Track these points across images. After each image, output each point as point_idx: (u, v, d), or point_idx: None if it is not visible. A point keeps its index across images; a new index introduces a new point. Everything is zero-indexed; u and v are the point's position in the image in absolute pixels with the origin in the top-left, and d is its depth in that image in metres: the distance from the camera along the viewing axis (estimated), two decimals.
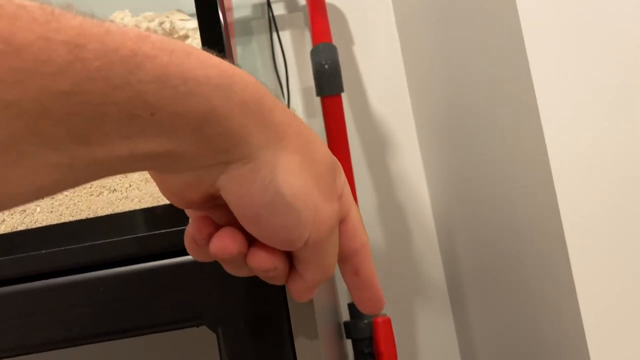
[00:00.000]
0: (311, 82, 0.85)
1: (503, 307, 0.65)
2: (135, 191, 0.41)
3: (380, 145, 0.91)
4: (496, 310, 0.68)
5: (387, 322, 0.70)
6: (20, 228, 0.41)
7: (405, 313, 0.89)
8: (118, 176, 0.41)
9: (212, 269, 0.39)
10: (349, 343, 0.71)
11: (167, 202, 0.42)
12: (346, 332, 0.70)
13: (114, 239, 0.39)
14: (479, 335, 0.78)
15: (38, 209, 0.41)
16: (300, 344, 0.38)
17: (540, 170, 0.47)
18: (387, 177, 0.91)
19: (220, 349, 0.39)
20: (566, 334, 0.47)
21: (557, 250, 0.46)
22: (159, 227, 0.41)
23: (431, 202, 0.90)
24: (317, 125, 0.89)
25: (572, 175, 0.46)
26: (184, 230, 0.40)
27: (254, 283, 0.39)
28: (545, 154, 0.46)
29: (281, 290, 0.38)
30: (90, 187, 0.41)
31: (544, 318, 0.52)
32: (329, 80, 0.72)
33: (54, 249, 0.40)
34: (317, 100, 0.80)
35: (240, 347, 0.38)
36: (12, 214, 0.41)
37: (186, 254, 0.40)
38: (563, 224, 0.45)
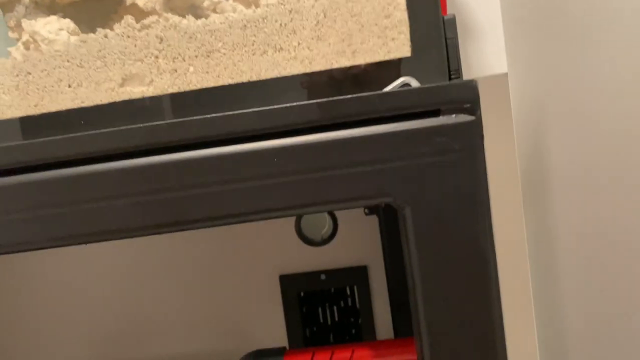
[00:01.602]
0: None
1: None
2: (305, 51, 0.35)
3: (460, 31, 0.84)
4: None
5: None
6: (171, 90, 0.35)
7: None
8: (285, 32, 0.35)
9: (402, 140, 0.34)
10: None
11: (343, 64, 0.36)
12: None
13: (287, 105, 0.34)
14: (559, 231, 0.76)
15: (191, 69, 0.35)
16: (501, 228, 0.34)
17: None
18: (465, 66, 0.85)
19: (406, 231, 0.35)
20: None
21: None
22: (332, 93, 0.36)
23: (513, 95, 0.85)
24: None
25: None
26: (368, 96, 0.35)
27: (449, 160, 0.34)
28: None
29: (481, 167, 0.34)
30: (253, 45, 0.35)
31: None
32: None
33: (212, 115, 0.34)
34: None
35: (431, 230, 0.35)
36: (160, 74, 0.35)
37: (371, 123, 0.35)
38: None
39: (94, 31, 0.44)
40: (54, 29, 0.44)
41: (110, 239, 0.38)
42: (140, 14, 0.55)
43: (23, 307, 0.81)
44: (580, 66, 0.65)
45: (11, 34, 0.54)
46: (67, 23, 0.45)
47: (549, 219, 0.79)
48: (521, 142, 0.85)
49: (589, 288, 0.67)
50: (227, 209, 0.34)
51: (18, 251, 0.36)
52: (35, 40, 0.46)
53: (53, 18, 0.45)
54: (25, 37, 0.46)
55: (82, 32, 0.48)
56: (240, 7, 0.51)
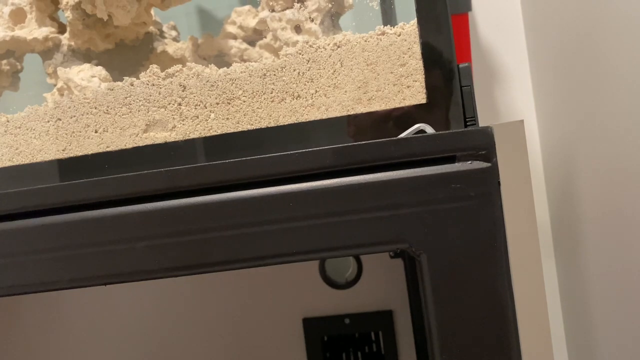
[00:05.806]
0: None
1: None
2: (322, 98, 0.36)
3: (487, 75, 0.85)
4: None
5: None
6: (192, 136, 0.36)
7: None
8: (302, 80, 0.36)
9: (418, 187, 0.34)
10: None
11: (359, 111, 0.37)
12: None
13: (303, 151, 0.35)
14: (592, 280, 0.74)
15: (212, 116, 0.36)
16: (520, 276, 0.34)
17: None
18: (493, 111, 0.86)
19: (422, 278, 0.35)
20: None
21: None
22: (348, 139, 0.36)
23: (540, 140, 0.84)
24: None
25: None
26: (383, 142, 0.35)
27: (466, 207, 0.34)
28: None
29: (498, 214, 0.34)
30: (272, 93, 0.36)
31: None
32: None
33: (232, 160, 0.35)
34: None
35: (447, 277, 0.34)
36: (183, 120, 0.36)
37: (386, 170, 0.36)
38: None
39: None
40: (86, 76, 0.46)
41: (131, 281, 0.38)
42: (170, 61, 0.58)
43: (47, 347, 0.82)
44: (609, 109, 0.64)
45: (49, 80, 0.57)
46: (99, 70, 0.48)
47: (581, 267, 0.77)
48: (550, 186, 0.84)
49: (626, 340, 0.64)
50: (240, 252, 0.34)
51: (40, 291, 0.37)
52: (69, 87, 0.48)
53: (86, 66, 0.48)
54: (60, 84, 0.49)
55: (115, 78, 0.50)
56: (266, 53, 0.53)
